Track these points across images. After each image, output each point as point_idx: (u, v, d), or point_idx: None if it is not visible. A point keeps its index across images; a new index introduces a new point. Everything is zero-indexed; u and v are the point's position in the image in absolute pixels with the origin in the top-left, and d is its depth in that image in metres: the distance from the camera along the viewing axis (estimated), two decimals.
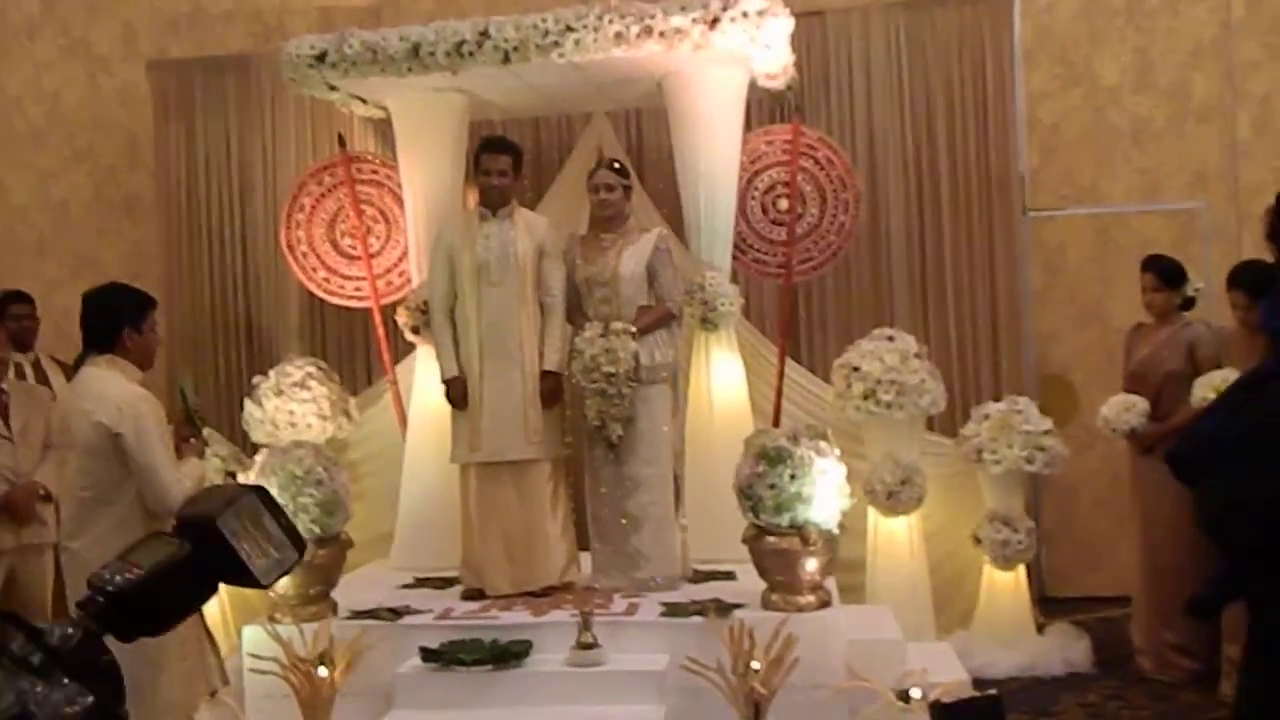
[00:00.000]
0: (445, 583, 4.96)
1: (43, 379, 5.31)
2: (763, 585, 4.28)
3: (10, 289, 5.68)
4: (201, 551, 1.41)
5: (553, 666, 4.11)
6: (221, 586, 1.47)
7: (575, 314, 4.84)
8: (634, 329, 4.65)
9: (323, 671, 4.00)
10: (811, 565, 4.17)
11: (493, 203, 4.81)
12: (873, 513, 5.23)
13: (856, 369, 5.22)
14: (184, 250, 6.59)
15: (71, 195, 7.03)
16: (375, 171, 5.86)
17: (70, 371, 4.04)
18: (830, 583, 4.40)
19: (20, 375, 5.21)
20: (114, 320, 3.53)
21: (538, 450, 4.74)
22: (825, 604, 4.22)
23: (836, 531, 4.23)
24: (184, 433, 3.68)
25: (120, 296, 3.61)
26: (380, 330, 5.75)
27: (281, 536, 1.49)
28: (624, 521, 4.70)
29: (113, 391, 3.44)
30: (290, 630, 4.11)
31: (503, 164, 4.77)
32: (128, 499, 3.43)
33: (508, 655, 4.09)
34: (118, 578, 1.36)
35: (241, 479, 4.50)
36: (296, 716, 4.02)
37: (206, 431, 3.95)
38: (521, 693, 4.05)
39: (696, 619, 4.19)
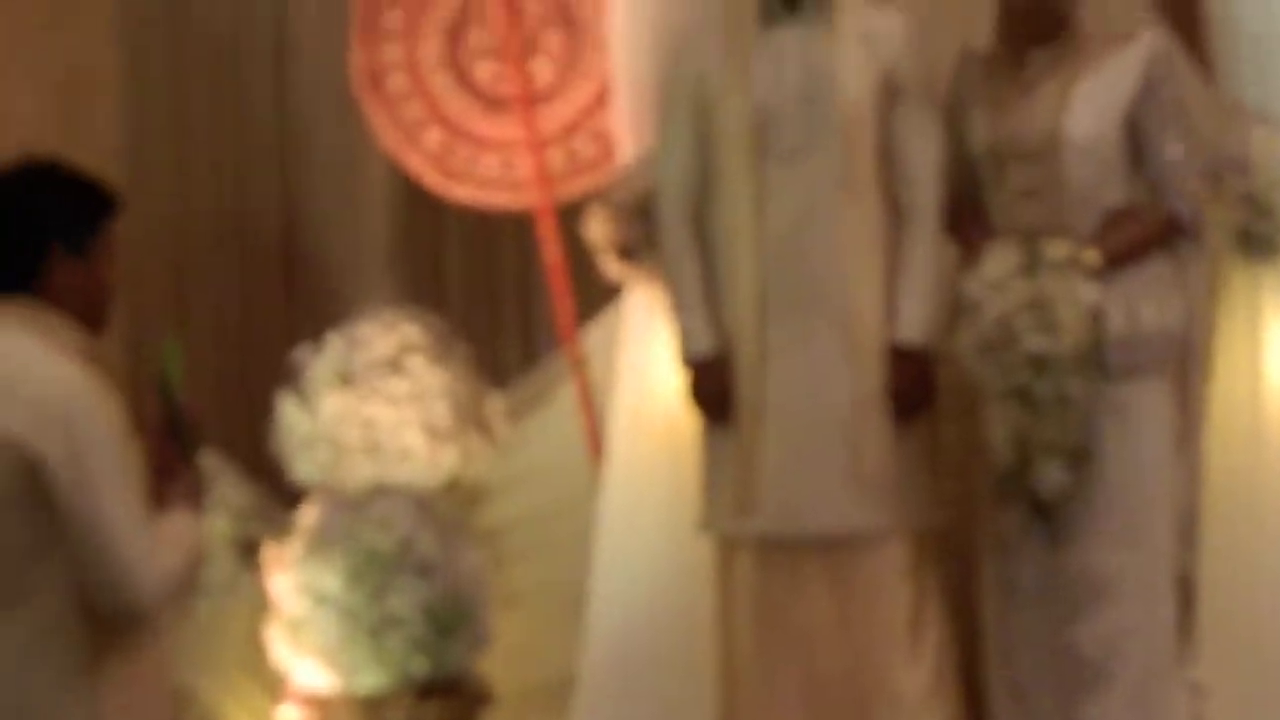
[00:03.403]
0: None
1: None
2: None
3: None
4: None
5: None
6: None
7: (969, 223, 4.87)
8: (1096, 256, 4.62)
9: None
10: None
11: None
12: None
13: None
14: (165, 99, 6.89)
15: None
16: None
17: None
18: None
19: None
20: (33, 234, 3.70)
21: (881, 512, 4.80)
22: None
23: None
24: (166, 455, 3.83)
25: (46, 190, 3.78)
26: (554, 253, 5.89)
27: None
28: (1068, 667, 4.70)
29: (31, 374, 3.61)
30: None
31: None
32: (54, 590, 3.59)
33: None
34: None
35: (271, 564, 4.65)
36: None
37: (209, 456, 4.10)
38: None
39: None
